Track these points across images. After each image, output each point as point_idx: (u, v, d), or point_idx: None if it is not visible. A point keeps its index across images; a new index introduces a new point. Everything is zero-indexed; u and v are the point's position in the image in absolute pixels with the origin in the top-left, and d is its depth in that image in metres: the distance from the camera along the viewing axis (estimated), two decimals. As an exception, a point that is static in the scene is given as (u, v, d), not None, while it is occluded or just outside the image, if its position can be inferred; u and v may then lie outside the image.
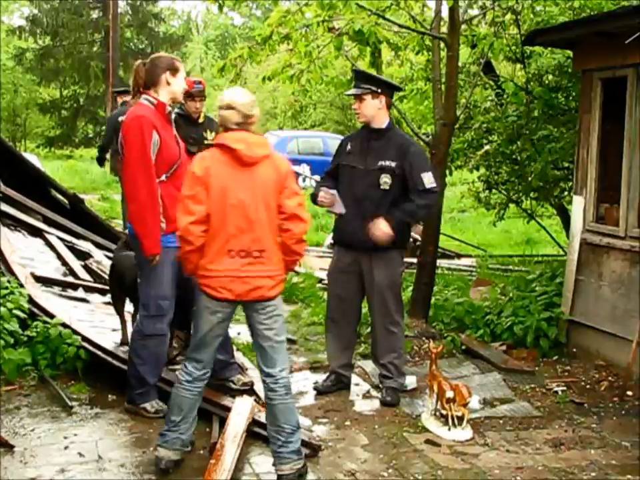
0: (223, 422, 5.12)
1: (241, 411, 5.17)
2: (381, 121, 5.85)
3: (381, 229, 5.61)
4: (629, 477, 4.77)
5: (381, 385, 6.07)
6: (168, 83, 5.27)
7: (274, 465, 4.56)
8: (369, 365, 6.62)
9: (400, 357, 6.02)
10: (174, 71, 5.28)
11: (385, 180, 5.75)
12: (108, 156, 12.41)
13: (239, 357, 6.56)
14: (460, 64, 8.34)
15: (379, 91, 5.78)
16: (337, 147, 6.24)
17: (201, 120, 7.51)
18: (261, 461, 4.82)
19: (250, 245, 4.40)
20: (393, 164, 5.73)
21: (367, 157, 5.82)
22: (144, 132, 5.06)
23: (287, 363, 4.66)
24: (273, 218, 4.42)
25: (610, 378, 6.51)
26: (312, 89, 8.38)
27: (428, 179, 5.70)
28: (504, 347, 7.22)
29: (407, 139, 6.02)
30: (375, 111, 5.81)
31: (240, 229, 4.38)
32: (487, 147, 9.58)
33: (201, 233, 4.36)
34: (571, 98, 8.87)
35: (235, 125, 4.45)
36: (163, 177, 5.17)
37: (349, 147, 6.00)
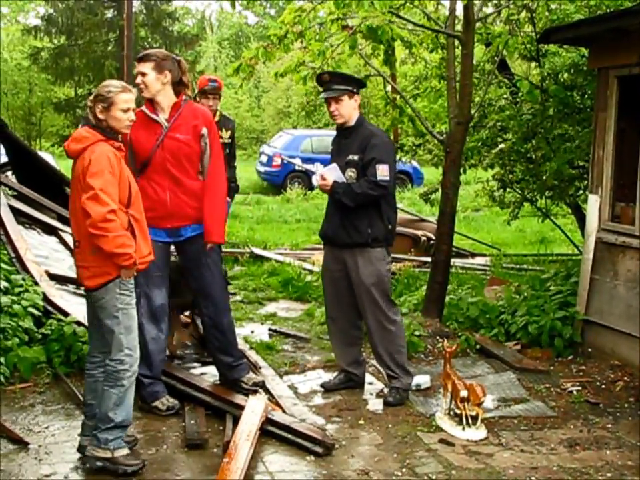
0: (236, 420, 5.12)
1: (255, 409, 5.17)
2: (354, 117, 5.88)
3: (325, 178, 5.72)
4: (645, 477, 4.75)
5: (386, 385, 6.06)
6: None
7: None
8: (382, 364, 6.62)
9: (401, 355, 5.96)
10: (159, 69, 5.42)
11: (350, 174, 5.76)
12: None
13: (250, 354, 6.58)
14: (474, 62, 8.31)
15: (355, 90, 5.82)
16: None
17: (216, 118, 7.48)
18: (275, 460, 4.82)
19: (74, 235, 4.61)
20: (356, 157, 5.74)
21: (339, 155, 5.90)
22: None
23: (115, 355, 4.54)
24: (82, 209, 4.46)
25: (625, 378, 6.47)
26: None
27: (382, 171, 5.62)
28: (518, 347, 7.19)
29: (374, 131, 5.94)
30: (351, 110, 5.84)
31: (71, 221, 4.66)
32: (501, 146, 9.54)
33: None
34: (586, 96, 8.82)
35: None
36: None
37: (331, 147, 6.16)
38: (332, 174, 5.76)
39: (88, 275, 4.54)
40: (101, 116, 4.55)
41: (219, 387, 5.72)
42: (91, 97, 4.59)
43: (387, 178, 5.63)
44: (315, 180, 5.91)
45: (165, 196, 5.45)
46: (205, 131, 5.52)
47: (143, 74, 5.35)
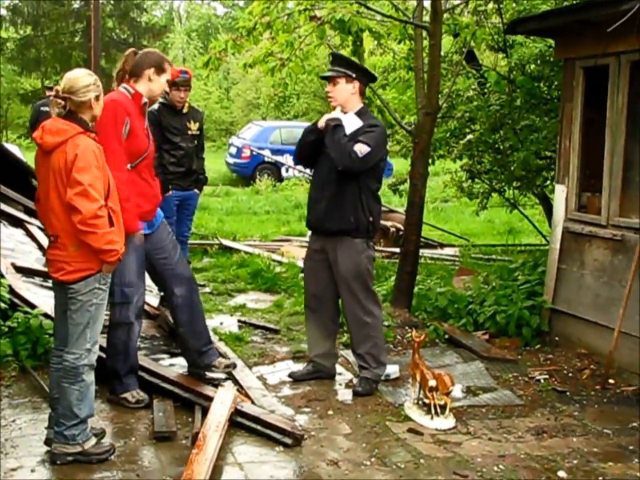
0: (205, 412, 5.11)
1: (224, 400, 5.15)
2: (353, 106, 5.80)
3: (333, 115, 5.68)
4: (611, 464, 4.80)
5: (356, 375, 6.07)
6: (150, 79, 5.37)
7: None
8: (351, 355, 6.62)
9: (377, 347, 5.95)
10: (160, 70, 5.40)
11: None
12: None
13: (220, 346, 6.56)
14: (442, 53, 8.35)
15: (354, 75, 5.74)
16: None
17: (185, 110, 7.47)
18: (244, 451, 4.81)
19: (49, 230, 4.56)
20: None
21: None
22: (116, 114, 5.13)
23: (76, 349, 4.51)
24: (65, 204, 4.38)
25: (592, 366, 6.54)
26: (292, 81, 8.33)
27: (360, 148, 5.51)
28: (486, 336, 7.24)
29: (371, 121, 5.83)
30: (347, 95, 5.76)
31: (44, 215, 4.58)
32: (469, 136, 9.59)
33: None
34: (553, 87, 8.89)
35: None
36: (128, 166, 5.24)
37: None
38: (349, 118, 5.70)
39: (69, 270, 4.46)
40: (95, 107, 4.51)
41: (187, 378, 5.69)
42: (64, 90, 4.46)
43: (360, 155, 5.52)
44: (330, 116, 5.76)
45: (156, 190, 5.57)
46: None
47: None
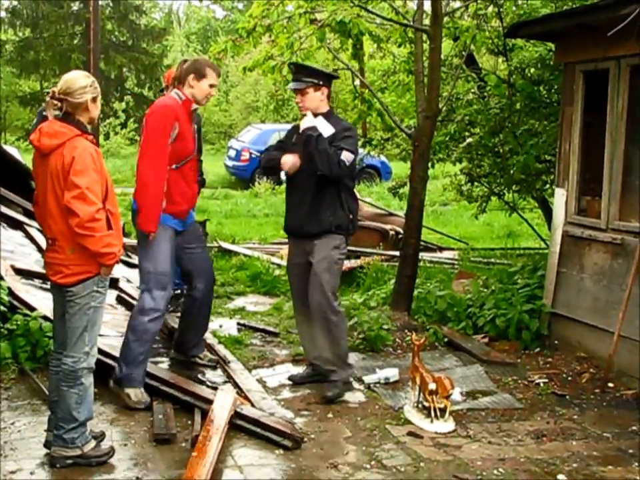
0: (204, 414, 5.10)
1: (224, 403, 5.15)
2: (322, 110, 5.89)
3: (292, 161, 5.79)
4: (610, 467, 4.80)
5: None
6: (190, 85, 5.67)
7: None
8: (351, 358, 6.62)
9: (341, 347, 5.90)
10: (199, 75, 5.65)
11: None
12: None
13: (219, 349, 6.57)
14: (442, 56, 8.34)
15: (321, 83, 5.82)
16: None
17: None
18: (243, 453, 4.81)
19: (47, 233, 4.56)
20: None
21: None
22: (166, 119, 5.49)
23: (74, 352, 4.50)
24: (62, 207, 4.38)
25: (591, 370, 6.54)
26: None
27: (347, 156, 5.65)
28: (486, 340, 7.24)
29: (344, 125, 5.97)
30: (317, 102, 5.86)
31: (42, 217, 4.57)
32: (469, 140, 9.58)
33: None
34: (553, 91, 8.89)
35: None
36: (174, 166, 5.57)
37: (294, 138, 6.03)
38: (322, 124, 5.78)
39: (67, 273, 4.45)
40: (92, 109, 4.51)
41: (187, 381, 5.69)
42: (60, 91, 4.45)
43: (348, 164, 5.69)
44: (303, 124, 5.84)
45: (195, 190, 5.97)
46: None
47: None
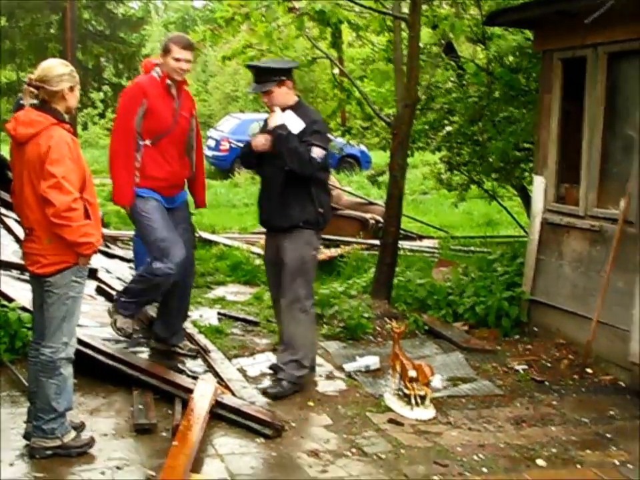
0: (185, 404, 5.09)
1: (204, 392, 5.15)
2: (290, 102, 5.81)
3: (261, 140, 5.74)
4: (588, 451, 4.85)
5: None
6: (162, 62, 5.81)
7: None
8: (331, 346, 6.64)
9: (301, 348, 5.77)
10: (165, 51, 5.78)
11: None
12: None
13: (199, 338, 6.56)
14: (421, 45, 8.34)
15: (283, 78, 5.76)
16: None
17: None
18: (224, 442, 4.81)
19: (24, 222, 4.54)
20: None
21: None
22: (132, 97, 5.74)
23: (53, 343, 4.48)
24: (39, 196, 4.34)
25: (570, 356, 6.59)
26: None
27: (318, 152, 5.59)
28: (466, 327, 7.27)
29: (312, 117, 5.84)
30: (284, 97, 5.78)
31: (19, 207, 4.55)
32: (448, 128, 9.62)
33: None
34: (531, 79, 8.92)
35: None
36: (147, 141, 5.73)
37: (262, 128, 6.05)
38: (291, 119, 5.71)
39: (45, 263, 4.42)
40: (69, 97, 4.46)
41: (167, 371, 5.68)
42: (37, 79, 4.40)
43: (319, 160, 5.61)
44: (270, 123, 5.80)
45: (176, 167, 5.95)
46: (194, 112, 6.14)
47: (190, 61, 5.86)
